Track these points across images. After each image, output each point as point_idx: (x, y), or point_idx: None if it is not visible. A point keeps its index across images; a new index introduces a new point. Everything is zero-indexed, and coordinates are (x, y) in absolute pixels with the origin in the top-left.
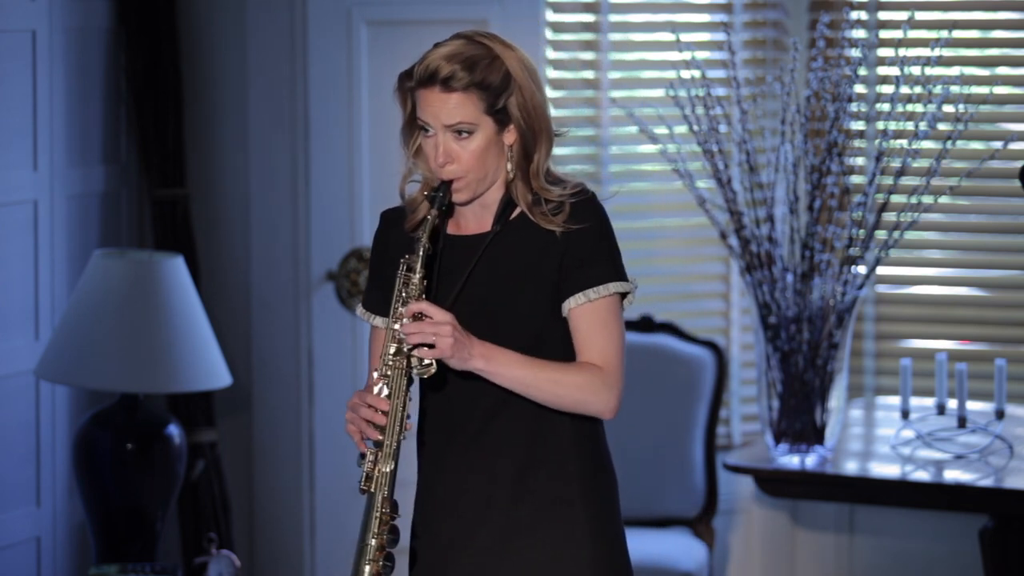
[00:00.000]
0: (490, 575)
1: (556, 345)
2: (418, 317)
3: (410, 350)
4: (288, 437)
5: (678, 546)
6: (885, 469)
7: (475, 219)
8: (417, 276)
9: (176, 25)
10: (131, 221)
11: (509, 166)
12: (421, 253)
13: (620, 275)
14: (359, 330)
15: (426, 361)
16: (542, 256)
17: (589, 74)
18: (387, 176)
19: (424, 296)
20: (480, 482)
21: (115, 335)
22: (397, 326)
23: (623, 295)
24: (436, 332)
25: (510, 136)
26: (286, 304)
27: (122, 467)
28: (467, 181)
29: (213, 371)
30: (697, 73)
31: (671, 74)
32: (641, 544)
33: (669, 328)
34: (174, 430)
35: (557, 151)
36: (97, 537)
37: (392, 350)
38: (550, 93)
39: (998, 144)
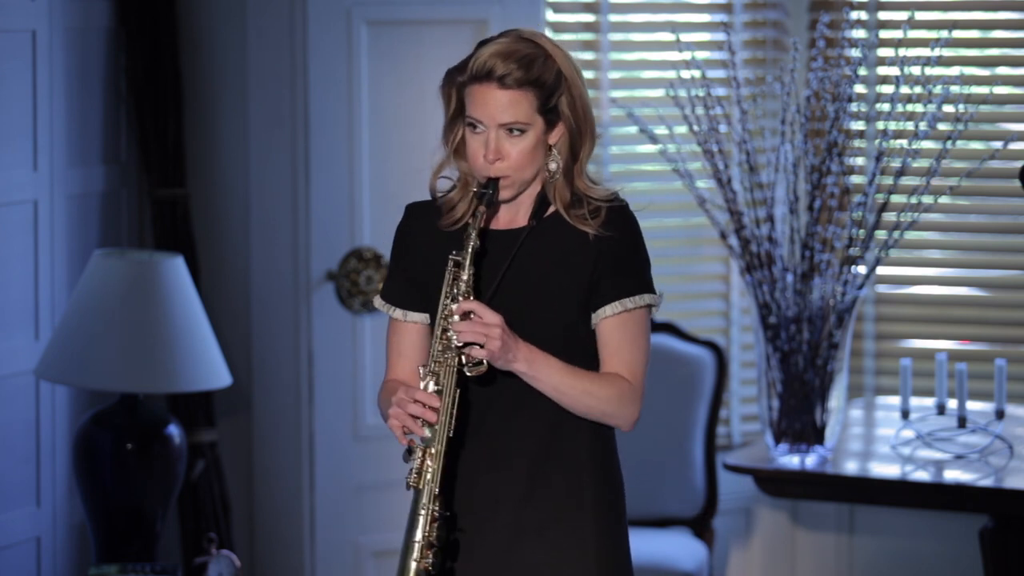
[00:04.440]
0: (497, 574)
1: (582, 341)
2: (466, 315)
3: (460, 348)
4: (288, 437)
5: (678, 546)
6: (885, 469)
7: (507, 213)
8: (466, 274)
9: (176, 25)
10: (131, 221)
11: (553, 165)
12: (471, 250)
13: (651, 287)
14: (359, 330)
15: (475, 360)
16: (575, 256)
17: (589, 74)
18: (387, 176)
19: (472, 295)
20: (493, 481)
21: (115, 335)
22: (446, 324)
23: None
24: (487, 333)
25: (554, 135)
26: (286, 304)
27: (122, 467)
28: (513, 179)
29: (213, 371)
30: (697, 73)
31: (671, 74)
32: (641, 544)
33: (669, 328)
34: (174, 430)
35: None
36: (97, 537)
37: (440, 348)
38: None
39: (998, 144)
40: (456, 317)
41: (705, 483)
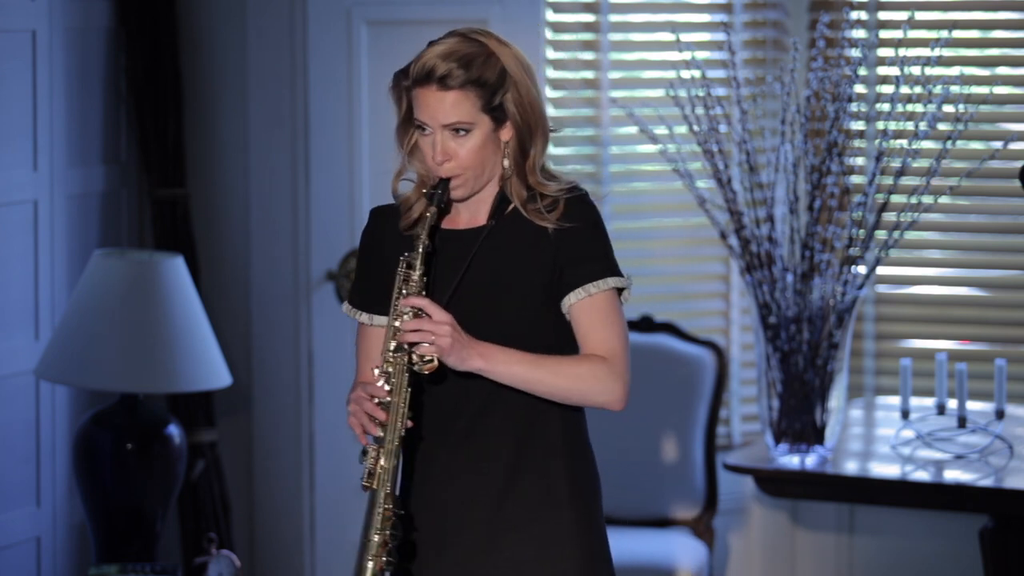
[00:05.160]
0: (475, 573)
1: (547, 338)
2: (417, 314)
3: (410, 347)
4: (288, 437)
5: (678, 546)
6: (885, 469)
7: (468, 214)
8: (417, 273)
9: (176, 25)
10: (131, 221)
11: (506, 162)
12: (421, 250)
13: (616, 271)
14: None
15: (427, 357)
16: (535, 251)
17: (589, 74)
18: (387, 176)
19: (424, 293)
20: (468, 481)
21: (115, 335)
22: (397, 323)
23: (620, 290)
24: (434, 331)
25: (506, 132)
26: (286, 304)
27: (122, 467)
28: (465, 178)
29: (213, 371)
30: (697, 73)
31: (671, 74)
32: (641, 544)
33: (669, 328)
34: (174, 430)
35: (557, 151)
36: (97, 537)
37: (392, 346)
38: (550, 93)
39: (998, 144)
40: (406, 316)
41: (705, 483)
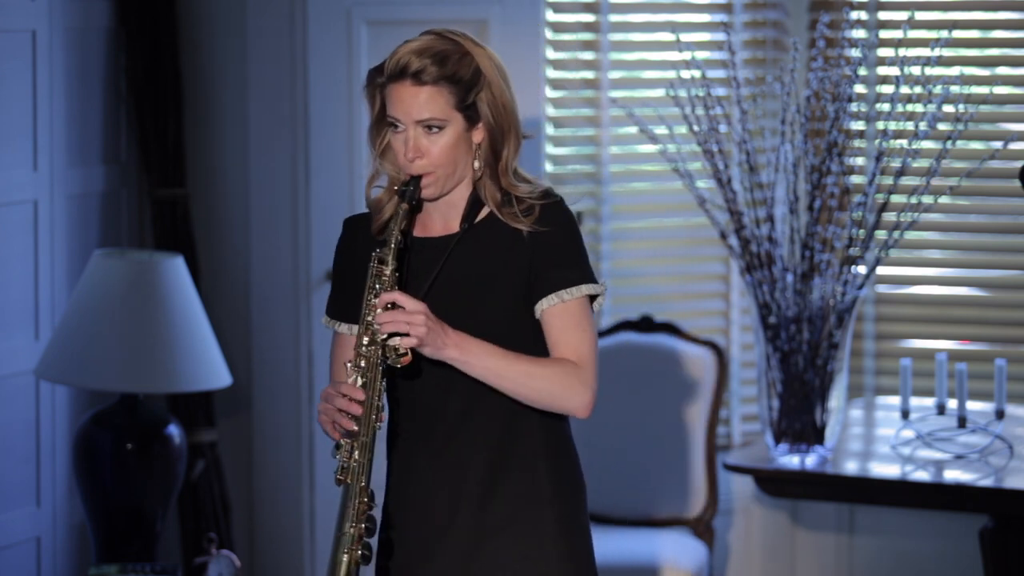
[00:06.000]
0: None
1: (524, 343)
2: (390, 307)
3: (384, 340)
4: (288, 437)
5: (678, 546)
6: (885, 469)
7: (442, 220)
8: (389, 268)
9: (176, 25)
10: (131, 221)
11: (477, 163)
12: (393, 245)
13: (590, 277)
14: None
15: (401, 350)
16: (509, 256)
17: (589, 74)
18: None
19: (396, 288)
20: (451, 483)
21: (115, 335)
22: (370, 317)
23: (593, 297)
24: (409, 321)
25: (479, 134)
26: (286, 304)
27: (122, 467)
28: (436, 176)
29: (213, 371)
30: (697, 73)
31: (671, 74)
32: (641, 544)
33: (669, 328)
34: (174, 430)
35: (557, 151)
36: (97, 537)
37: (366, 340)
38: (550, 93)
39: (998, 144)
40: (379, 310)
41: (705, 483)
